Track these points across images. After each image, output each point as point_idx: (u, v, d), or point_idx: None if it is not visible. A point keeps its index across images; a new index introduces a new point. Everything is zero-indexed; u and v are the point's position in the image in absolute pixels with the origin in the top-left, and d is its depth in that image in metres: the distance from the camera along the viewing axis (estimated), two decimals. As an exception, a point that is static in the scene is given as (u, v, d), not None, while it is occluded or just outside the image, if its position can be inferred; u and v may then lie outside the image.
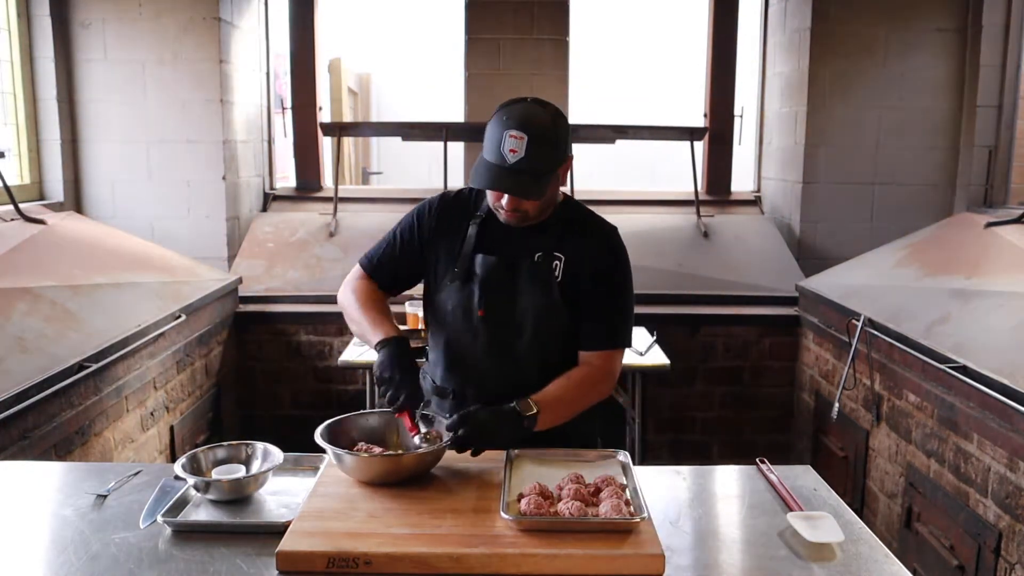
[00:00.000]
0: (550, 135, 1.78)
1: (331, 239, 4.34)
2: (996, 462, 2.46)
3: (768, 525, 1.58)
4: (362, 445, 1.75)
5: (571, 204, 2.00)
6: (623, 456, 1.75)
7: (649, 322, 3.71)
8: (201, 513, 1.61)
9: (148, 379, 3.11)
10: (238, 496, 1.65)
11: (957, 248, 3.49)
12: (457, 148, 4.46)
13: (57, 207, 3.95)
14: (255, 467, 1.73)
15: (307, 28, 4.75)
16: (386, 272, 2.03)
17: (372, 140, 8.01)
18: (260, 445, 1.78)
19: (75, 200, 4.13)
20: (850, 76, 4.29)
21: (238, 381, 4.03)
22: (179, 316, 3.28)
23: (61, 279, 3.00)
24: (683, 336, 4.00)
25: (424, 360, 2.07)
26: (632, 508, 1.50)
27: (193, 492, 1.66)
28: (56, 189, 4.02)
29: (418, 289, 2.08)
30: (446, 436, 1.71)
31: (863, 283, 3.62)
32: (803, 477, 1.82)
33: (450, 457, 1.75)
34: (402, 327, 2.36)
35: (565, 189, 4.41)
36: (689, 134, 4.64)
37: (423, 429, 1.74)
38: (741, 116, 4.88)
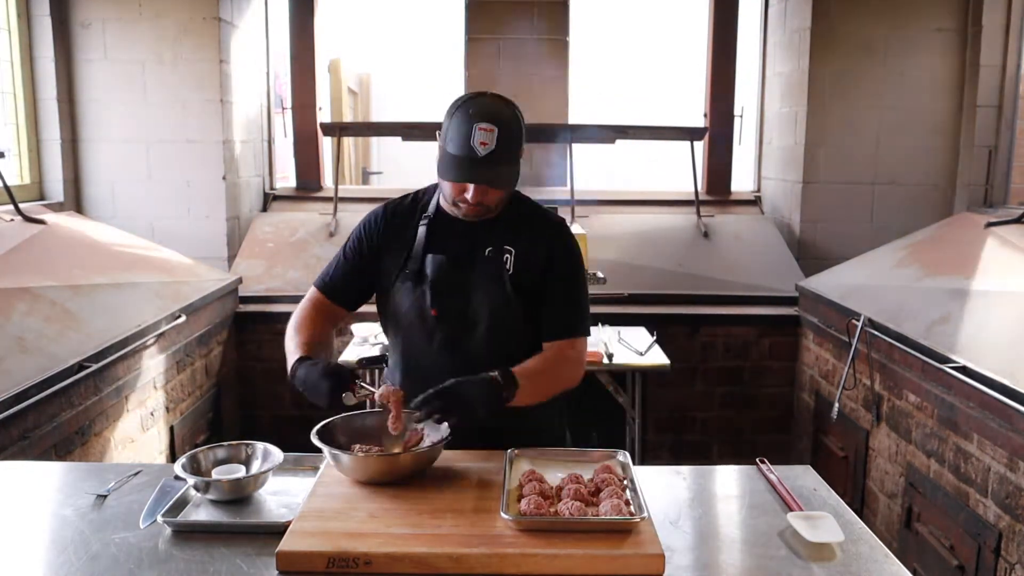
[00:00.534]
0: (515, 126, 1.82)
1: (331, 239, 4.34)
2: (996, 462, 2.46)
3: (768, 525, 1.58)
4: (359, 445, 1.75)
5: (520, 199, 2.01)
6: (623, 456, 1.75)
7: (649, 322, 3.71)
8: (201, 513, 1.61)
9: (148, 379, 3.11)
10: (238, 496, 1.65)
11: (957, 248, 3.49)
12: (457, 148, 4.45)
13: (57, 207, 3.96)
14: (255, 467, 1.73)
15: (307, 28, 4.75)
16: (341, 290, 2.03)
17: (372, 140, 8.01)
18: (260, 445, 1.78)
19: (75, 200, 4.13)
20: (850, 76, 4.29)
21: (238, 381, 4.03)
22: (179, 316, 3.28)
23: (61, 279, 3.00)
24: (683, 336, 4.00)
25: (384, 366, 2.07)
26: (632, 508, 1.50)
27: (193, 492, 1.66)
28: (56, 189, 4.03)
29: None
30: (426, 439, 1.71)
31: (863, 283, 3.62)
32: (803, 477, 1.81)
33: (450, 457, 1.76)
34: None
35: (565, 189, 4.43)
36: (689, 134, 4.64)
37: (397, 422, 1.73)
38: (741, 116, 4.88)
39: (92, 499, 1.67)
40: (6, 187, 3.39)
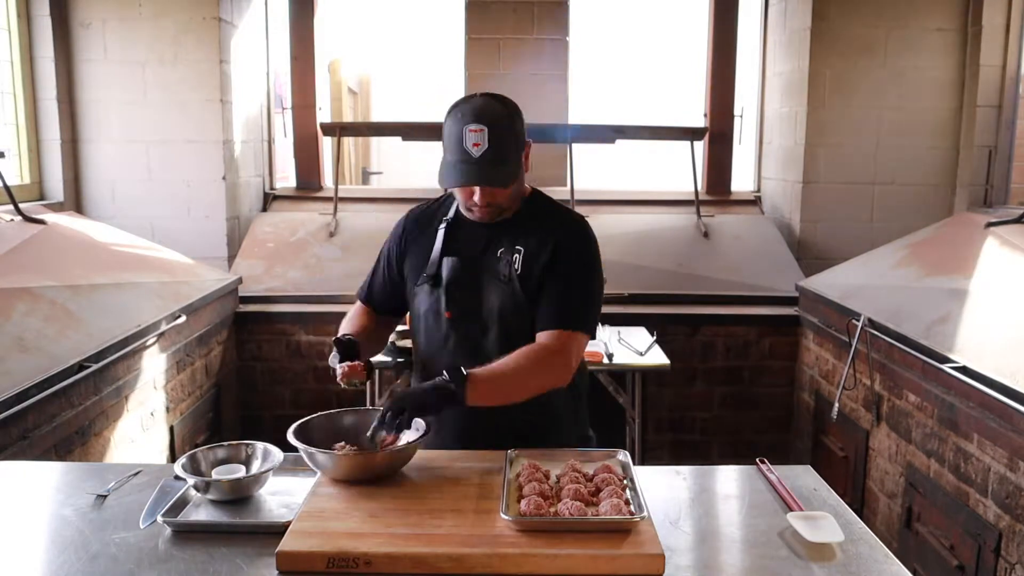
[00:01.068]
0: (507, 122, 1.82)
1: (331, 239, 4.34)
2: (996, 462, 2.46)
3: (768, 525, 1.58)
4: (339, 444, 1.74)
5: (538, 197, 2.02)
6: (623, 456, 1.75)
7: (649, 322, 3.72)
8: (201, 513, 1.61)
9: (148, 379, 3.11)
10: (238, 496, 1.65)
11: (957, 248, 3.49)
12: (457, 148, 4.46)
13: (57, 207, 3.95)
14: (255, 467, 1.73)
15: (307, 28, 4.75)
16: (380, 299, 2.09)
17: (372, 140, 8.01)
18: (260, 445, 1.78)
19: (75, 200, 4.13)
20: (850, 76, 4.29)
21: (238, 381, 4.03)
22: (179, 316, 3.28)
23: (61, 279, 3.00)
24: (683, 336, 4.00)
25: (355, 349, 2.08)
26: (632, 508, 1.50)
27: (193, 492, 1.66)
28: (56, 189, 4.02)
29: None
30: (403, 438, 1.70)
31: (863, 283, 3.62)
32: (803, 477, 1.81)
33: (450, 457, 1.76)
34: None
35: (565, 189, 4.43)
36: (689, 134, 4.64)
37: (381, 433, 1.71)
38: (741, 116, 4.88)
39: (92, 499, 1.66)
40: (6, 187, 3.38)
